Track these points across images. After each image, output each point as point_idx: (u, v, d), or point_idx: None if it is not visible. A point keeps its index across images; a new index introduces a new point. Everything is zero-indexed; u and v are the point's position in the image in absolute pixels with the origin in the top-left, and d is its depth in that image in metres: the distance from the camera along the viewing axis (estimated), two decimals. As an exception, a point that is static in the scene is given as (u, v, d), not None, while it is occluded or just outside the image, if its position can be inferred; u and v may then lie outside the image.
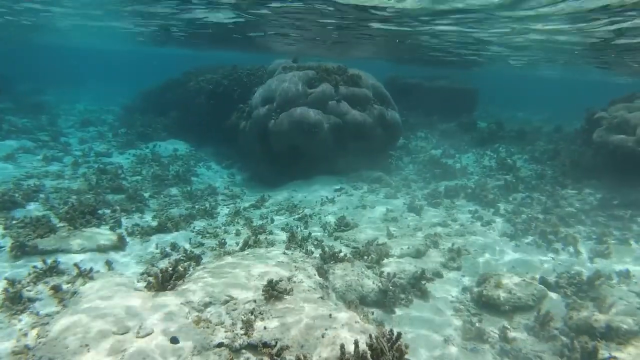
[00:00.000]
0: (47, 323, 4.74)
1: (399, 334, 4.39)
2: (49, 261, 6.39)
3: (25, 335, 4.60)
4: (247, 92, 16.71)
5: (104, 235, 8.11)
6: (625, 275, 7.48)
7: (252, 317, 5.09)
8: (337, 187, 12.76)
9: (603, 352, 5.41)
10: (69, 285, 5.92)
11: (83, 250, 7.42)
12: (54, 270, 6.24)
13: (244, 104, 15.95)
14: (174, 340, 4.42)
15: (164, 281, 5.70)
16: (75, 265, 6.19)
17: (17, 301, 5.23)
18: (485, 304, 6.68)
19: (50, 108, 24.40)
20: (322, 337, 4.75)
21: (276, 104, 13.74)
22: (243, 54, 33.07)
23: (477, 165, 15.98)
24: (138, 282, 6.10)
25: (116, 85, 35.12)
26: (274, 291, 5.52)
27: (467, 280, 7.52)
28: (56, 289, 5.66)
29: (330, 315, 5.18)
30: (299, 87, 13.80)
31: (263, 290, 5.57)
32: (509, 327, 6.19)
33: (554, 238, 9.07)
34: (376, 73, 16.24)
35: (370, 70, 16.01)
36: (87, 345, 4.13)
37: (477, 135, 19.44)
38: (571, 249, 8.62)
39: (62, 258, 6.87)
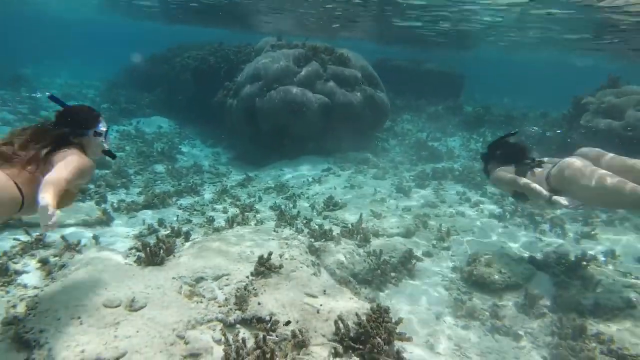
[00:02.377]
0: (36, 295, 4.62)
1: (387, 308, 4.45)
2: (35, 234, 6.23)
3: (14, 307, 4.48)
4: (235, 70, 16.43)
5: (90, 210, 7.96)
6: (611, 255, 7.60)
7: (246, 292, 5.03)
8: (325, 167, 12.69)
9: (591, 328, 5.49)
10: (57, 258, 5.77)
11: (69, 224, 7.27)
12: (40, 243, 6.09)
13: (230, 81, 15.70)
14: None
15: (154, 255, 5.60)
16: (63, 237, 6.04)
17: (3, 273, 5.09)
18: (476, 283, 6.72)
19: (29, 81, 23.76)
20: (317, 312, 4.71)
21: (264, 82, 13.55)
22: (226, 32, 32.58)
23: (464, 149, 16.05)
24: (127, 257, 5.98)
25: (97, 60, 34.33)
26: (265, 267, 5.47)
27: (456, 260, 7.55)
28: (43, 261, 5.54)
29: (324, 291, 5.16)
30: (288, 66, 13.62)
31: (255, 267, 5.51)
32: (499, 304, 6.25)
33: (541, 220, 9.15)
34: (364, 55, 16.11)
35: (359, 52, 15.88)
36: (79, 318, 4.03)
37: (463, 119, 19.50)
38: (558, 230, 8.71)
39: (48, 233, 6.70)
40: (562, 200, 5.53)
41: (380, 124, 15.70)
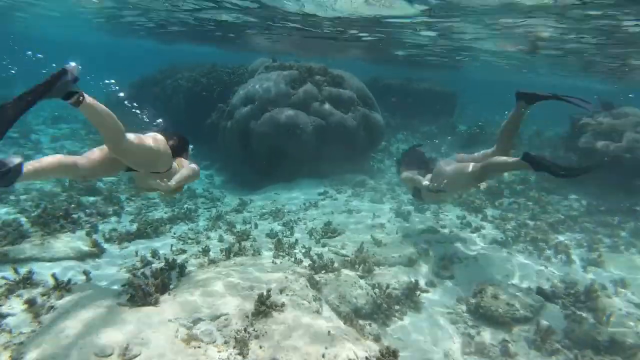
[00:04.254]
0: (22, 343, 4.32)
1: (396, 351, 4.23)
2: (23, 271, 5.91)
3: (-2, 358, 4.17)
4: (228, 92, 16.24)
5: (80, 241, 7.64)
6: (621, 285, 7.39)
7: (246, 334, 4.76)
8: (321, 190, 12.46)
9: (609, 368, 5.26)
10: (45, 297, 5.44)
11: (58, 258, 6.94)
12: (27, 281, 5.76)
13: (224, 103, 15.50)
14: None
15: (148, 295, 5.31)
16: (53, 276, 5.72)
17: (-13, 318, 4.77)
18: (483, 316, 6.47)
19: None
20: (323, 357, 4.44)
21: (258, 104, 13.37)
22: (220, 51, 32.48)
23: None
24: (120, 295, 5.68)
25: (89, 80, 33.96)
26: (266, 306, 5.20)
27: (461, 290, 7.30)
28: (30, 302, 5.19)
29: (328, 332, 4.88)
30: (282, 87, 13.46)
31: (255, 305, 5.24)
32: (509, 340, 6.00)
33: (545, 246, 8.94)
34: (357, 74, 16.02)
35: (352, 71, 15.79)
36: (68, 372, 3.74)
37: (458, 138, 19.42)
38: (563, 257, 8.50)
39: (36, 267, 6.38)
40: (426, 181, 7.67)
41: (375, 144, 15.53)
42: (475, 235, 9.59)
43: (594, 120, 12.78)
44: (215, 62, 19.71)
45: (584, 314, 6.42)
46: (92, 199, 10.60)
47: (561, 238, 9.52)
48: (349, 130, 13.48)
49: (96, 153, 4.95)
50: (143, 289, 5.28)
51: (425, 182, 7.61)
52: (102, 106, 4.31)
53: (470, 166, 6.82)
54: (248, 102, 13.65)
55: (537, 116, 28.27)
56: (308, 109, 13.20)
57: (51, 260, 6.82)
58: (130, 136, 4.64)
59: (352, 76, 15.22)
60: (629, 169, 11.59)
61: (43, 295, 5.50)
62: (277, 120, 12.70)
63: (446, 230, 9.78)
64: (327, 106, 13.43)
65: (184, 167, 5.65)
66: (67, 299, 5.27)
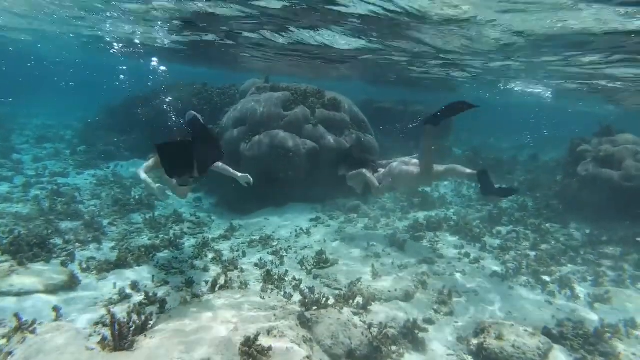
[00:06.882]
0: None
1: None
2: (-16, 309, 5.39)
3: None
4: (218, 113, 15.86)
5: (54, 272, 7.10)
6: (632, 325, 6.92)
7: (228, 386, 4.25)
8: (313, 216, 12.00)
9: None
10: (4, 341, 4.92)
11: (27, 292, 6.39)
12: (-13, 321, 5.24)
13: (214, 124, 15.08)
14: None
15: (122, 338, 4.80)
16: (16, 316, 5.19)
17: None
18: (487, 359, 5.99)
19: (4, 122, 22.86)
20: (314, 415, 3.95)
21: (249, 126, 12.98)
22: (209, 70, 32.17)
23: (456, 195, 15.52)
24: (91, 335, 5.16)
25: (77, 99, 33.56)
26: (253, 350, 4.70)
27: (461, 328, 6.82)
28: (-13, 347, 4.67)
29: (321, 383, 4.38)
30: (274, 109, 13.08)
31: (240, 350, 4.74)
32: (516, 388, 5.51)
33: (548, 279, 8.51)
34: (351, 95, 15.74)
35: (345, 92, 15.51)
36: None
37: (452, 163, 19.11)
38: (568, 292, 8.04)
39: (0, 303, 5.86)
40: (374, 179, 9.71)
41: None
42: (474, 266, 9.14)
43: (592, 147, 12.49)
44: (206, 82, 19.38)
45: (595, 358, 5.96)
46: (72, 224, 10.06)
47: (564, 270, 9.10)
48: (342, 154, 13.07)
49: None
50: (117, 331, 4.77)
51: (372, 178, 9.61)
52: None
53: (416, 169, 8.75)
54: (238, 124, 13.26)
55: (534, 141, 28.28)
56: (300, 131, 12.82)
57: (18, 294, 6.26)
58: None
59: (346, 99, 14.90)
60: (629, 197, 11.27)
61: (3, 337, 4.99)
62: (268, 143, 12.29)
63: (444, 262, 9.32)
64: (319, 129, 13.04)
65: None
66: (30, 342, 4.74)
